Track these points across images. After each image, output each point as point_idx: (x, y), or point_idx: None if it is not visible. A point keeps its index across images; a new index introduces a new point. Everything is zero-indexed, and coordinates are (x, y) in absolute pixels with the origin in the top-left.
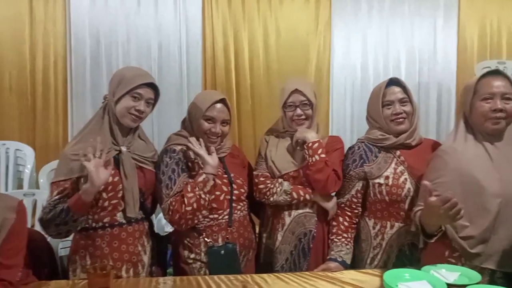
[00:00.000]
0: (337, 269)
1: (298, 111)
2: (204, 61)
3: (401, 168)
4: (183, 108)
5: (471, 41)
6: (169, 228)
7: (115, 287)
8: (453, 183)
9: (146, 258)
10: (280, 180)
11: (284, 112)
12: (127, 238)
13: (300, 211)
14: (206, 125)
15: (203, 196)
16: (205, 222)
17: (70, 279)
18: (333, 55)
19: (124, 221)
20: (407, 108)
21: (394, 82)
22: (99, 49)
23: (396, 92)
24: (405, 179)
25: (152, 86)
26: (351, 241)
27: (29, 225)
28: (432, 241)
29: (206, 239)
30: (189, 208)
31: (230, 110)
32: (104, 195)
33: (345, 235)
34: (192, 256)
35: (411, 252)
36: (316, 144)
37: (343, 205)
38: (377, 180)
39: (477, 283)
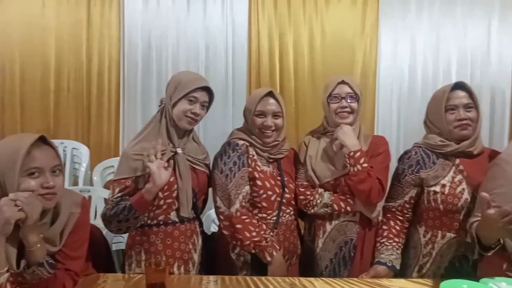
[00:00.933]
0: (385, 274)
1: (343, 102)
2: (249, 64)
3: (459, 177)
4: (228, 110)
5: None
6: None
7: (168, 283)
8: None
9: (196, 256)
10: (320, 191)
11: (327, 105)
12: (179, 236)
13: (342, 219)
14: (258, 120)
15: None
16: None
17: (126, 272)
18: (380, 58)
19: (177, 220)
20: (472, 114)
21: (459, 86)
22: (150, 52)
23: (461, 97)
24: (463, 189)
25: (207, 90)
26: (401, 247)
27: None
28: (489, 254)
29: None
30: (254, 234)
31: (280, 102)
32: (160, 194)
33: (396, 239)
34: (236, 251)
35: (461, 265)
36: (358, 154)
37: (394, 209)
38: (432, 188)
39: None
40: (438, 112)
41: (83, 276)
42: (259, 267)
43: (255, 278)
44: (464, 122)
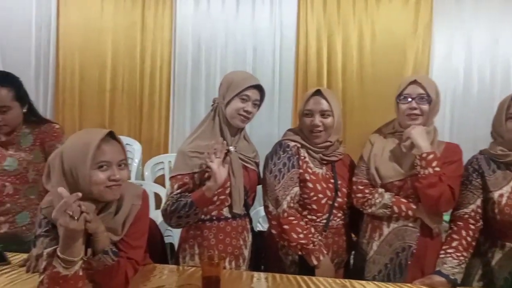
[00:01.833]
0: (441, 286)
1: (413, 104)
2: (296, 65)
3: None
4: (274, 111)
5: None
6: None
7: (222, 277)
8: None
9: (246, 253)
10: (380, 190)
11: (397, 105)
12: (231, 232)
13: (401, 223)
14: (306, 120)
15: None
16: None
17: (180, 264)
18: (433, 59)
19: (229, 216)
20: None
21: None
22: (199, 54)
23: None
24: None
25: (258, 88)
26: (467, 262)
27: None
28: None
29: None
30: (301, 236)
31: (330, 101)
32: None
33: (464, 253)
34: (284, 250)
35: None
36: (431, 156)
37: (467, 216)
38: (490, 195)
39: None
40: (499, 121)
41: (142, 266)
42: (307, 267)
43: (305, 277)
44: None
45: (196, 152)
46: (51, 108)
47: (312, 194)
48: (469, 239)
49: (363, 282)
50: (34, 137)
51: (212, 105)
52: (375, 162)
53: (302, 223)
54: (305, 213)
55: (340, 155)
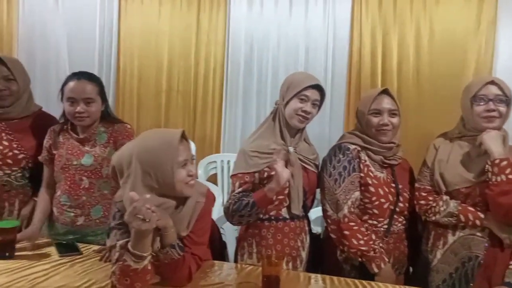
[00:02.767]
0: None
1: (491, 105)
2: (349, 65)
3: None
4: (326, 112)
5: None
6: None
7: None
8: None
9: (304, 254)
10: (445, 198)
11: (470, 107)
12: (289, 233)
13: (467, 232)
14: (373, 119)
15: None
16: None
17: (238, 262)
18: (497, 58)
19: (287, 217)
20: None
21: None
22: (252, 54)
23: None
24: None
25: (318, 88)
26: None
27: None
28: None
29: None
30: (362, 243)
31: (396, 101)
32: None
33: None
34: (344, 255)
35: None
36: (505, 163)
37: None
38: None
39: None
40: None
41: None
42: (367, 273)
43: (364, 282)
44: None
45: (256, 152)
46: (112, 108)
47: (374, 198)
48: None
49: None
50: (108, 135)
51: (275, 107)
52: (440, 168)
53: (362, 229)
54: (365, 217)
55: (399, 158)
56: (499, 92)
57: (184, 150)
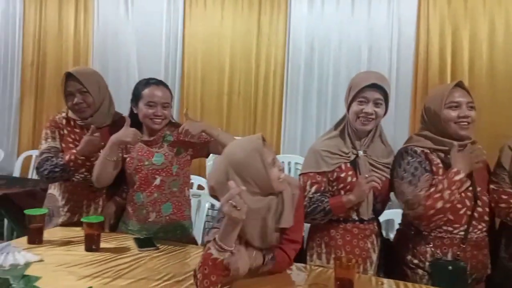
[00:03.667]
0: None
1: None
2: (415, 64)
3: None
4: (390, 113)
5: None
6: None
7: None
8: None
9: (374, 257)
10: None
11: None
12: (358, 234)
13: None
14: (452, 113)
15: (457, 196)
16: (436, 232)
17: (307, 263)
18: None
19: (356, 218)
20: None
21: None
22: (312, 55)
23: None
24: None
25: (378, 86)
26: None
27: None
28: None
29: (433, 249)
30: (447, 206)
31: (470, 93)
32: (343, 193)
33: None
34: (415, 262)
35: None
36: None
37: None
38: None
39: None
40: None
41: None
42: (439, 280)
43: None
44: None
45: (328, 152)
46: (177, 110)
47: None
48: None
49: None
50: (174, 137)
51: None
52: None
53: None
54: (440, 223)
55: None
56: None
57: (268, 151)
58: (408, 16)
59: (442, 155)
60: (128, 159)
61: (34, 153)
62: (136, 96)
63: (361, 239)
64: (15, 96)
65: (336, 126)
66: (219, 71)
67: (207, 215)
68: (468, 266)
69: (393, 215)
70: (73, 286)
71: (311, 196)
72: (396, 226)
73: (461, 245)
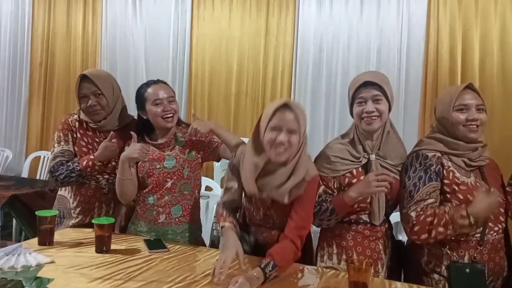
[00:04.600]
0: None
1: None
2: (425, 65)
3: None
4: (399, 114)
5: None
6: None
7: None
8: None
9: (385, 259)
10: None
11: None
12: (370, 236)
13: None
14: (461, 116)
15: (449, 232)
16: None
17: (317, 264)
18: None
19: (368, 220)
20: None
21: None
22: (321, 56)
23: None
24: None
25: (374, 84)
26: None
27: None
28: None
29: (449, 251)
30: (431, 240)
31: (481, 95)
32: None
33: None
34: (431, 266)
35: None
36: None
37: None
38: None
39: None
40: None
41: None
42: (457, 283)
43: None
44: None
45: (338, 158)
46: (185, 111)
47: (463, 206)
48: None
49: None
50: (186, 140)
51: None
52: None
53: (429, 218)
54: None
55: (487, 159)
56: None
57: (284, 116)
58: (418, 16)
59: (454, 157)
60: (139, 163)
61: (42, 154)
62: (140, 101)
63: (373, 240)
64: (23, 97)
65: (349, 130)
66: (227, 72)
67: (214, 216)
68: (486, 268)
69: None
70: None
71: (318, 197)
72: None
73: (478, 247)
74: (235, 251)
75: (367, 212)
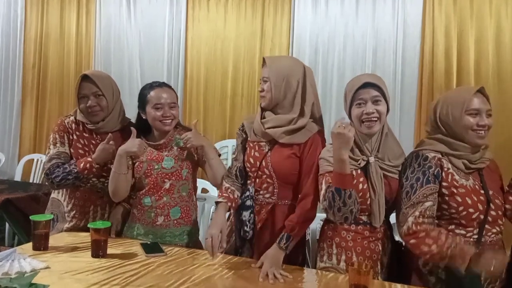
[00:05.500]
0: None
1: None
2: (421, 66)
3: None
4: (395, 115)
5: None
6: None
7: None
8: None
9: (385, 259)
10: None
11: None
12: (370, 236)
13: None
14: (471, 120)
15: (443, 250)
16: None
17: (317, 264)
18: None
19: (368, 221)
20: None
21: None
22: (316, 57)
23: None
24: None
25: (373, 86)
26: None
27: None
28: None
29: None
30: (433, 248)
31: (489, 100)
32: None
33: None
34: (428, 267)
35: None
36: None
37: None
38: None
39: None
40: None
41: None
42: (454, 285)
43: None
44: None
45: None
46: (180, 113)
47: (461, 208)
48: None
49: None
50: (184, 142)
51: None
52: None
53: (433, 233)
54: (451, 227)
55: (487, 160)
56: None
57: None
58: (413, 17)
59: (453, 159)
60: (137, 163)
61: (36, 157)
62: (142, 101)
63: (372, 241)
64: (16, 100)
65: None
66: (222, 74)
67: (211, 219)
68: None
69: None
70: None
71: (322, 195)
72: None
73: (475, 249)
74: (220, 229)
75: (367, 213)
